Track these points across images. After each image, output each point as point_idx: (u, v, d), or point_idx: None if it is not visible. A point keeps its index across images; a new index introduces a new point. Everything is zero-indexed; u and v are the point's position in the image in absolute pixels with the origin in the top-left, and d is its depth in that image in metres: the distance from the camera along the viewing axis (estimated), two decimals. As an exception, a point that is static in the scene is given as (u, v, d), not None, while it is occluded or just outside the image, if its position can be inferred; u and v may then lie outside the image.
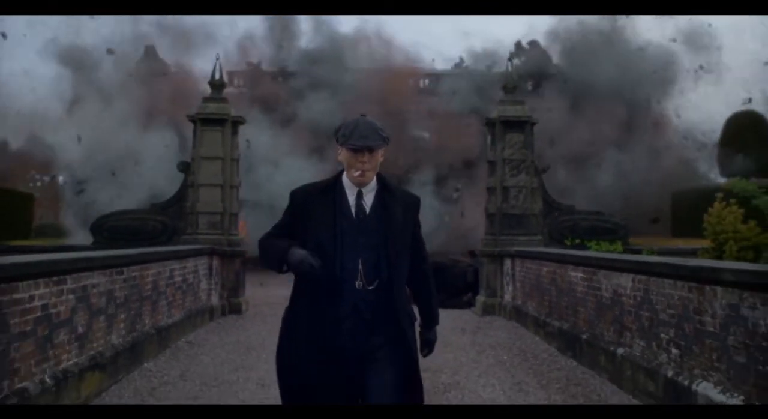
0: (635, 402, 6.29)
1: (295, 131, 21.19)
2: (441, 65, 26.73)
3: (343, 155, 3.05)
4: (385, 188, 3.12)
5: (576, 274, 8.40)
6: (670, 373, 5.75)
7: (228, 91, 14.66)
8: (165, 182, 15.33)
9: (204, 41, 25.32)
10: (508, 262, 12.16)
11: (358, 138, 2.98)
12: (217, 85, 13.25)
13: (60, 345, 5.60)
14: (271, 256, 3.06)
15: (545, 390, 6.80)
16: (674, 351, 5.74)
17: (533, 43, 25.24)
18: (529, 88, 22.50)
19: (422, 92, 25.01)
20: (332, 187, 3.09)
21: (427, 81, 25.89)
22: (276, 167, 19.61)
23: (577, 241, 12.55)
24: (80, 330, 6.01)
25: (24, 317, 4.95)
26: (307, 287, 3.03)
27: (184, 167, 13.11)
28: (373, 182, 3.09)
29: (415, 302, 3.32)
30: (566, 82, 22.35)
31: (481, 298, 12.79)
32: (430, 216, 17.44)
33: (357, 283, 3.00)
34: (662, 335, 5.96)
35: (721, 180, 21.15)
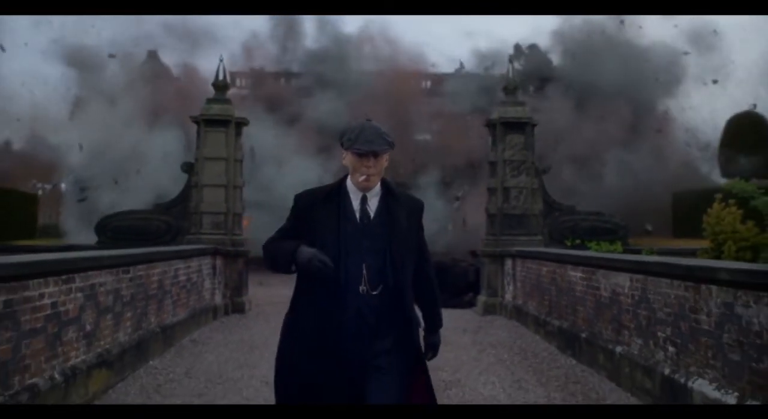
0: (633, 399, 6.40)
1: (300, 131, 21.27)
2: (445, 66, 26.87)
3: (348, 159, 3.05)
4: (389, 192, 3.12)
5: (575, 274, 8.51)
6: (666, 371, 5.86)
7: (233, 91, 14.79)
8: (170, 183, 15.44)
9: (209, 42, 25.50)
10: (508, 262, 12.27)
11: (363, 142, 2.99)
12: (220, 86, 13.37)
13: (69, 343, 5.72)
14: (279, 257, 3.05)
15: (544, 387, 6.91)
16: (671, 349, 5.85)
17: (533, 47, 25.31)
18: (531, 90, 22.57)
19: (427, 93, 25.11)
20: (336, 191, 3.09)
21: (429, 83, 25.98)
22: (281, 167, 19.71)
23: (578, 241, 12.63)
24: (88, 327, 6.13)
25: (34, 314, 5.07)
26: (310, 290, 3.02)
27: (188, 168, 13.23)
28: (378, 187, 3.09)
29: (417, 305, 3.29)
30: (568, 89, 22.40)
31: (482, 298, 12.90)
32: (434, 217, 17.54)
33: (361, 288, 2.99)
34: (659, 333, 6.07)
35: (722, 181, 21.22)
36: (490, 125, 13.30)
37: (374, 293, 3.01)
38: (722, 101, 25.18)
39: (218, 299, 11.99)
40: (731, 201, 11.36)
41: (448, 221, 19.25)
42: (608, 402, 6.38)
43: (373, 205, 3.09)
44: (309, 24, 25.28)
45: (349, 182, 3.09)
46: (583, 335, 8.04)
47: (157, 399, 6.32)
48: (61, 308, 5.55)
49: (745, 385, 4.72)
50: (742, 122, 23.21)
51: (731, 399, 4.83)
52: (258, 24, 38.05)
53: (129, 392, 6.58)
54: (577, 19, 23.64)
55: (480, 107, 20.72)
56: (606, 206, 16.77)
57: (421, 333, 3.24)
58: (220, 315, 11.78)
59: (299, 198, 3.14)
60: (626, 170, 21.22)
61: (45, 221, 24.63)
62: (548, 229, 13.03)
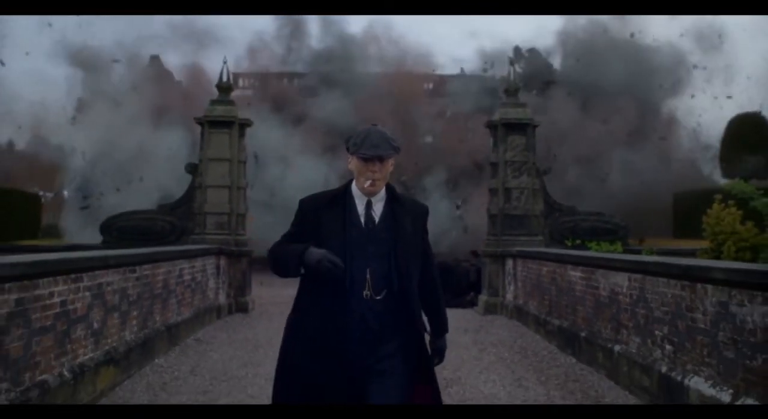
0: (631, 397, 6.50)
1: (306, 131, 21.36)
2: (449, 66, 27.02)
3: (353, 163, 3.05)
4: (394, 197, 3.12)
5: (575, 274, 8.61)
6: (663, 369, 5.96)
7: (238, 92, 14.91)
8: (175, 183, 15.56)
9: (214, 43, 25.63)
10: (509, 262, 12.38)
11: (369, 147, 2.98)
12: (224, 88, 13.50)
13: (77, 340, 5.84)
14: (287, 259, 3.03)
15: (544, 386, 7.01)
16: (668, 347, 5.95)
17: (533, 51, 25.36)
18: (534, 93, 22.66)
19: (431, 94, 25.21)
20: (341, 196, 3.09)
21: (432, 84, 26.09)
22: (287, 167, 19.82)
23: (578, 241, 12.74)
24: (96, 326, 6.25)
25: (44, 312, 5.19)
26: (314, 291, 3.02)
27: (192, 169, 13.37)
28: (382, 192, 3.09)
29: (424, 311, 3.27)
30: (570, 91, 22.47)
31: (483, 297, 13.01)
32: (438, 219, 17.63)
33: (365, 293, 2.99)
34: (657, 332, 6.17)
35: (724, 182, 21.28)
36: (492, 126, 13.41)
37: (378, 298, 3.00)
38: (726, 102, 25.28)
39: (222, 298, 12.11)
40: (731, 202, 11.46)
41: (451, 223, 19.31)
42: (607, 399, 6.49)
43: (378, 210, 3.08)
44: (314, 24, 25.54)
45: (354, 186, 3.09)
46: (583, 334, 8.15)
47: (163, 397, 6.43)
48: (70, 307, 5.67)
49: (740, 382, 4.82)
50: (743, 123, 23.30)
51: (726, 397, 4.93)
52: (263, 24, 38.31)
53: (135, 389, 6.69)
54: (581, 20, 23.72)
55: (485, 108, 20.83)
56: (608, 206, 16.87)
57: (427, 338, 3.22)
58: (223, 315, 11.90)
59: (304, 203, 3.13)
60: (629, 170, 21.30)
61: (47, 220, 24.77)
62: (549, 229, 13.14)
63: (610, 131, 21.60)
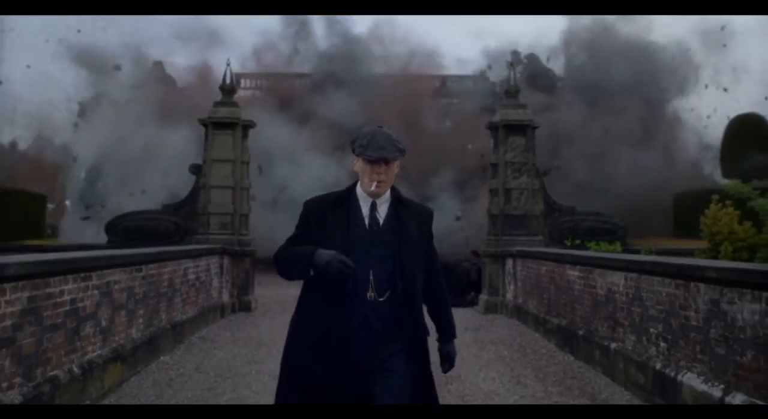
0: (627, 393, 6.64)
1: (313, 130, 21.47)
2: (454, 66, 27.10)
3: (358, 165, 3.05)
4: (398, 200, 3.12)
5: (573, 273, 8.75)
6: (658, 365, 6.10)
7: (245, 92, 15.03)
8: (182, 184, 15.71)
9: (220, 43, 25.79)
10: (509, 262, 12.52)
11: (374, 149, 2.98)
12: (227, 89, 13.66)
13: (86, 337, 5.99)
14: (295, 261, 3.02)
15: (542, 383, 7.16)
16: (662, 344, 6.10)
17: (531, 57, 25.44)
18: (538, 91, 22.76)
19: (438, 94, 25.36)
20: (346, 198, 3.09)
21: (439, 84, 26.23)
22: (294, 166, 19.96)
23: (577, 241, 12.89)
24: (104, 323, 6.41)
25: (55, 310, 5.35)
26: (317, 292, 3.02)
27: (196, 170, 13.53)
28: (387, 194, 3.08)
29: (429, 314, 3.27)
30: (571, 93, 22.57)
31: (483, 297, 13.16)
32: (444, 219, 17.76)
33: (368, 294, 2.99)
34: (651, 329, 6.32)
35: (724, 182, 21.37)
36: (492, 127, 13.55)
37: (381, 299, 3.00)
38: (728, 102, 25.39)
39: (225, 297, 12.27)
40: (728, 202, 11.58)
41: (455, 224, 19.39)
42: (603, 396, 6.63)
43: (382, 212, 3.08)
44: (319, 24, 25.65)
45: (359, 188, 3.09)
46: (581, 332, 8.29)
47: (169, 393, 6.58)
48: (79, 305, 5.83)
49: (730, 378, 4.97)
50: (743, 123, 23.40)
51: (717, 392, 5.07)
52: (269, 24, 38.50)
53: (142, 386, 6.84)
54: (586, 19, 23.76)
55: (493, 108, 20.94)
56: (609, 206, 16.99)
57: (430, 341, 3.19)
58: (227, 313, 12.06)
59: (308, 204, 3.14)
60: (631, 170, 21.40)
61: (47, 220, 24.89)
62: (549, 229, 13.28)
63: (613, 130, 21.69)
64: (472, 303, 13.64)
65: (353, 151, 3.06)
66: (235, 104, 13.62)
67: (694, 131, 25.01)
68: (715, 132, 24.58)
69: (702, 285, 5.39)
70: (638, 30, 24.24)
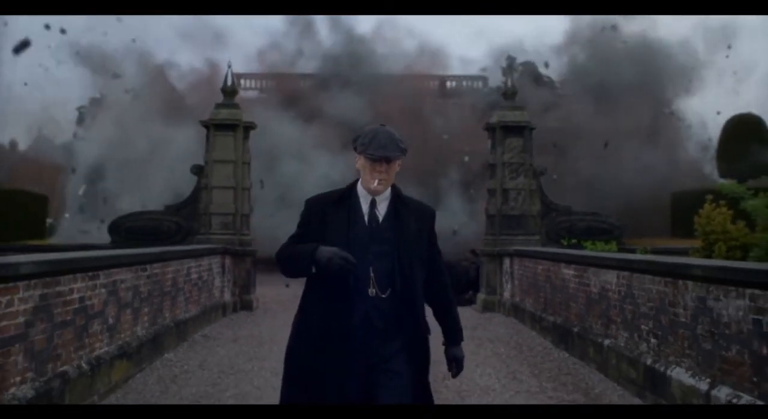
0: (619, 389, 6.83)
1: (319, 128, 21.60)
2: (458, 66, 27.27)
3: (360, 163, 3.08)
4: (398, 197, 3.14)
5: (568, 272, 8.94)
6: (649, 361, 6.29)
7: (249, 92, 15.15)
8: (183, 184, 15.87)
9: (224, 43, 25.95)
10: (507, 261, 12.71)
11: (376, 148, 3.00)
12: (228, 91, 13.84)
13: (94, 335, 6.18)
14: (297, 259, 3.05)
15: (537, 378, 7.35)
16: (653, 340, 6.29)
17: (528, 64, 25.55)
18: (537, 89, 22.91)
19: (443, 94, 25.54)
20: (347, 195, 3.13)
21: (444, 83, 26.40)
22: (300, 165, 20.11)
23: (574, 241, 13.08)
24: (110, 321, 6.60)
25: (65, 308, 5.54)
26: (319, 291, 3.05)
27: (198, 170, 13.72)
28: (387, 192, 3.12)
29: (435, 317, 3.27)
30: (572, 103, 22.69)
31: (481, 296, 13.35)
32: (450, 219, 17.92)
33: (370, 290, 3.01)
34: (643, 326, 6.51)
35: (721, 182, 21.50)
36: (490, 128, 13.73)
37: (383, 296, 3.02)
38: (732, 102, 25.51)
39: (227, 296, 12.46)
40: (722, 202, 11.77)
41: (459, 224, 19.49)
42: (596, 391, 6.82)
43: (382, 209, 3.11)
44: (324, 24, 25.84)
45: (359, 185, 3.13)
46: (575, 329, 8.48)
47: (174, 389, 6.77)
48: (88, 303, 6.02)
49: (716, 372, 5.16)
50: (739, 123, 23.59)
51: (704, 386, 5.26)
52: (273, 24, 38.71)
53: (147, 382, 7.03)
54: (589, 18, 23.87)
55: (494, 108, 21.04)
56: (609, 206, 17.14)
57: (432, 340, 3.19)
58: (229, 312, 12.25)
59: (310, 202, 3.19)
60: (632, 170, 21.54)
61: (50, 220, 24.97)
62: (546, 229, 13.47)
63: (615, 130, 21.80)
64: (470, 302, 13.82)
65: (355, 149, 3.09)
66: (236, 106, 13.80)
67: (696, 130, 25.20)
68: (716, 132, 24.77)
69: (690, 283, 5.58)
70: (642, 29, 24.38)
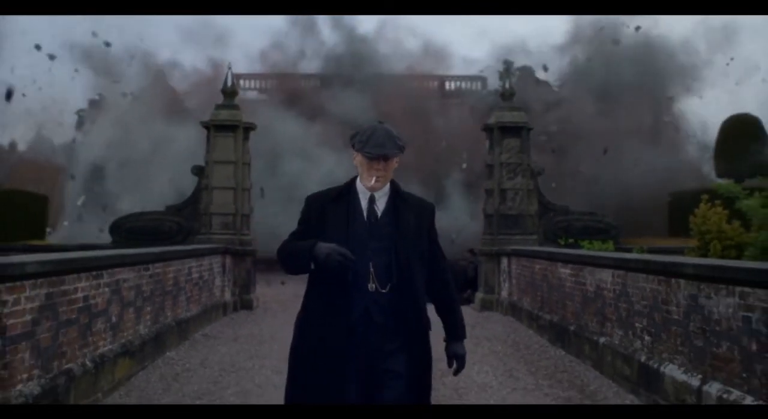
0: (614, 385, 6.95)
1: (322, 128, 21.69)
2: (461, 66, 27.36)
3: (358, 160, 3.11)
4: (397, 193, 3.16)
5: (565, 271, 9.06)
6: (643, 358, 6.41)
7: (252, 93, 15.22)
8: (185, 184, 15.97)
9: (227, 43, 26.06)
10: (504, 260, 12.83)
11: (373, 146, 3.02)
12: (228, 92, 13.95)
13: (97, 333, 6.29)
14: (297, 255, 3.08)
15: (534, 376, 7.46)
16: (646, 337, 6.40)
17: (525, 69, 25.61)
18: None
19: (445, 94, 25.64)
20: (346, 192, 3.16)
21: (446, 83, 26.51)
22: (303, 164, 20.21)
23: (571, 240, 13.20)
24: (114, 319, 6.71)
25: (70, 306, 5.65)
26: (319, 288, 3.07)
27: (198, 171, 13.83)
28: (386, 188, 3.14)
29: (437, 313, 3.27)
30: (572, 103, 22.77)
31: (479, 295, 13.46)
32: (453, 219, 18.00)
33: (370, 286, 3.02)
34: (637, 324, 6.62)
35: (718, 181, 21.58)
36: (488, 129, 13.85)
37: (383, 291, 3.03)
38: (733, 101, 25.58)
39: (228, 296, 12.57)
40: (717, 202, 11.88)
41: (462, 223, 19.55)
42: (591, 387, 6.94)
43: (381, 205, 3.13)
44: (326, 24, 25.96)
45: (358, 182, 3.16)
46: (572, 328, 8.60)
47: (176, 387, 6.88)
48: (92, 302, 6.13)
49: (707, 368, 5.27)
50: (737, 123, 23.71)
51: (695, 381, 5.38)
52: (275, 24, 38.93)
53: (150, 380, 7.14)
54: (590, 17, 23.96)
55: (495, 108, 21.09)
56: (609, 205, 17.24)
57: (432, 337, 3.19)
58: (229, 312, 12.36)
59: (310, 199, 3.22)
60: (632, 169, 21.61)
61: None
62: (543, 229, 13.59)
63: (615, 130, 21.89)
64: (469, 301, 13.93)
65: (353, 146, 3.11)
66: (236, 107, 13.91)
67: (697, 130, 25.32)
68: (713, 132, 24.89)
69: (682, 281, 5.70)
70: (644, 28, 24.45)
